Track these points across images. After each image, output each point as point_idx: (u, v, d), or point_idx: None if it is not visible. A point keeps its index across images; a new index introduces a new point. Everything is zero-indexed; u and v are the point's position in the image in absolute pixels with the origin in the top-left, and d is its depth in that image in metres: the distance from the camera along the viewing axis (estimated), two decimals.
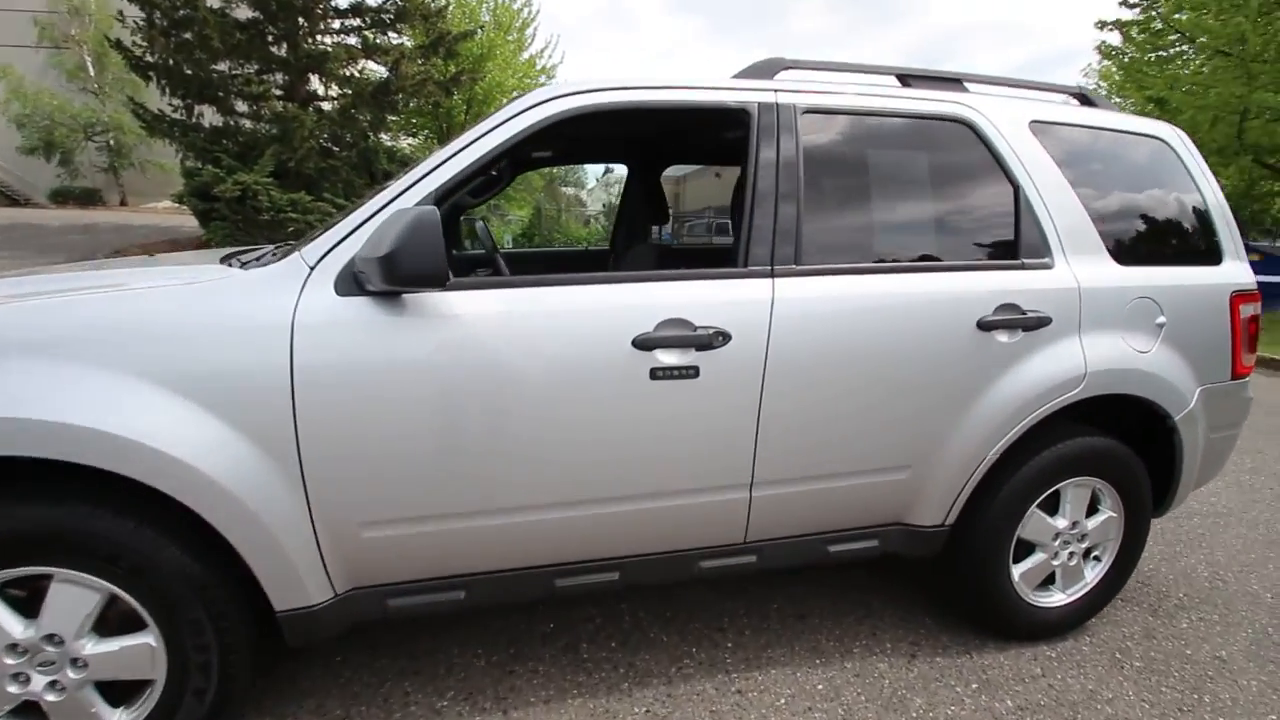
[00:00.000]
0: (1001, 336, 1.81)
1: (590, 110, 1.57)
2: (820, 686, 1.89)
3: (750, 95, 1.71)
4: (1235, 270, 2.18)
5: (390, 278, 1.26)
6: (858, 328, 1.68)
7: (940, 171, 1.91)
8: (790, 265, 1.66)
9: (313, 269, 1.40)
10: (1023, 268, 1.88)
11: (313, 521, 1.42)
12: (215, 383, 1.30)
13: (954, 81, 2.04)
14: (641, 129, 2.51)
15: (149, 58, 11.05)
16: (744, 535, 1.76)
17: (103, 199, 21.60)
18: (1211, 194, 2.21)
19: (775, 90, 1.74)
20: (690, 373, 1.55)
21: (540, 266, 3.18)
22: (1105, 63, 14.39)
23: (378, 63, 12.04)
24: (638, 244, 3.01)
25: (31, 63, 19.63)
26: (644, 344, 1.51)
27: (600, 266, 3.18)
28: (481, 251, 2.89)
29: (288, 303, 1.36)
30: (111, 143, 21.30)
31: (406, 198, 1.45)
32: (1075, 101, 2.27)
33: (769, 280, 1.63)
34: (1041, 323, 1.84)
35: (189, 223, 13.76)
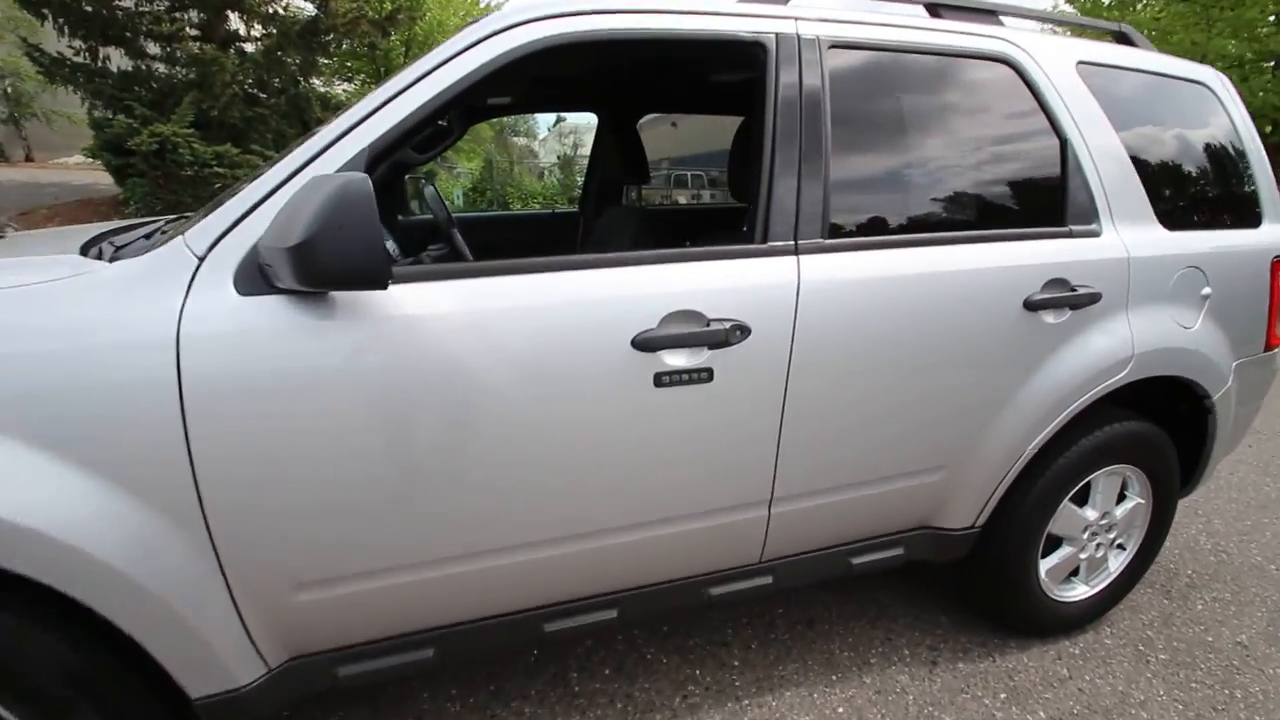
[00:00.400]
0: (1049, 317, 1.57)
1: (570, 40, 1.22)
2: (841, 709, 1.70)
3: (766, 24, 1.37)
4: (1276, 233, 1.98)
5: (305, 275, 0.92)
6: (896, 313, 1.41)
7: (979, 121, 1.62)
8: (817, 239, 1.36)
9: (202, 260, 1.04)
10: (1070, 235, 1.63)
11: (229, 587, 1.10)
12: (68, 421, 0.95)
13: (989, 14, 1.73)
14: (622, 67, 2.13)
15: None
16: (759, 555, 1.52)
17: (4, 154, 19.59)
18: (1255, 148, 1.99)
19: (795, 19, 1.40)
20: (703, 376, 1.26)
21: (499, 233, 2.81)
22: (1063, 6, 14.20)
23: None
24: (612, 206, 2.66)
25: None
26: (647, 344, 1.20)
27: (570, 231, 2.83)
28: (432, 217, 2.50)
29: (168, 308, 1.00)
30: (9, 90, 19.22)
31: (329, 158, 1.08)
32: (1112, 41, 2.00)
33: (793, 259, 1.34)
34: (1092, 299, 1.60)
35: (105, 179, 12.55)
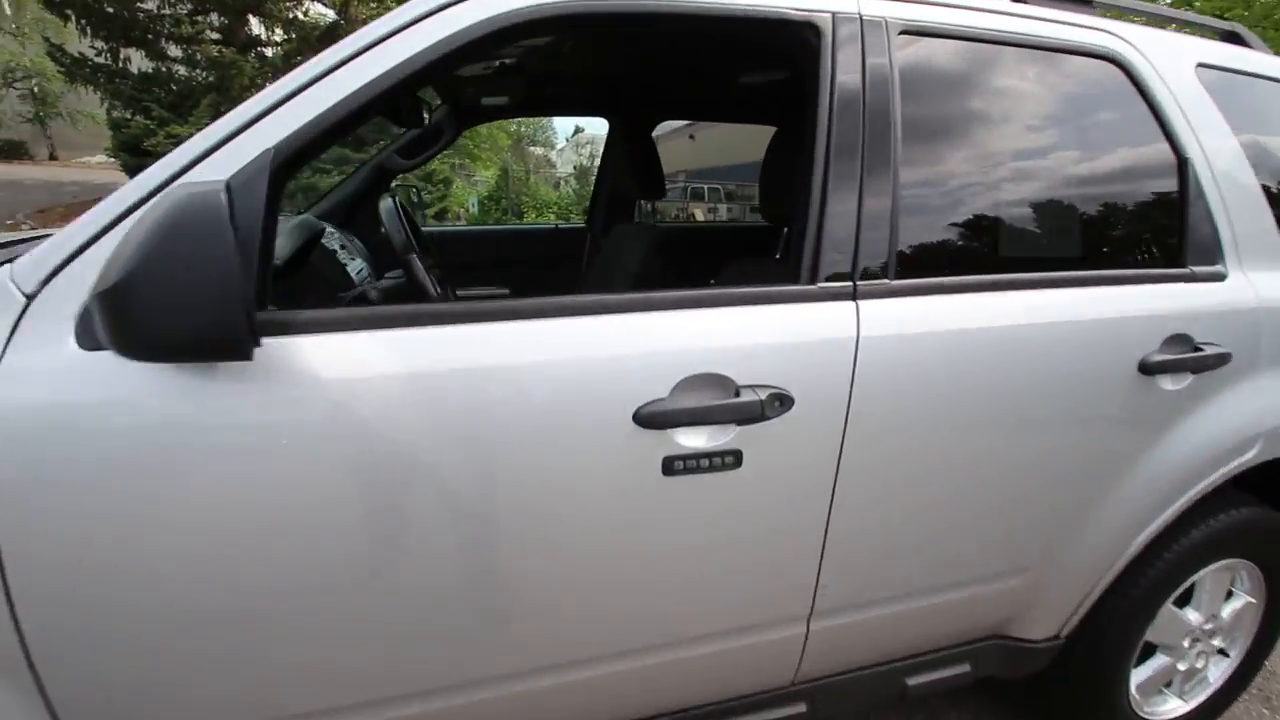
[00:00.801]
0: (1167, 382, 1.23)
1: (556, 14, 0.91)
2: None
3: (820, 3, 1.06)
4: None
5: (121, 338, 0.62)
6: (981, 378, 1.08)
7: (1080, 132, 1.31)
8: (882, 280, 1.04)
9: (31, 299, 0.74)
10: (1191, 279, 1.29)
11: None
12: None
13: (1082, 2, 1.41)
14: (635, 63, 1.83)
15: None
16: (792, 677, 1.19)
17: (29, 152, 19.81)
18: None
19: None
20: (728, 461, 0.94)
21: (498, 249, 2.51)
22: None
23: (325, 5, 10.95)
24: (622, 223, 2.35)
25: None
26: (655, 420, 0.89)
27: (575, 249, 2.53)
28: (425, 228, 2.21)
29: None
30: (35, 90, 19.47)
31: (218, 161, 0.78)
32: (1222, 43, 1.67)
33: (850, 305, 1.02)
34: (1220, 361, 1.27)
35: (125, 179, 12.53)
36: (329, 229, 1.59)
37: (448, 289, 1.47)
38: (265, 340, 0.73)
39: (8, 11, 18.72)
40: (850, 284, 1.03)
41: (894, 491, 1.07)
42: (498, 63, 1.64)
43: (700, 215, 13.82)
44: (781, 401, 0.95)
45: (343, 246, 1.60)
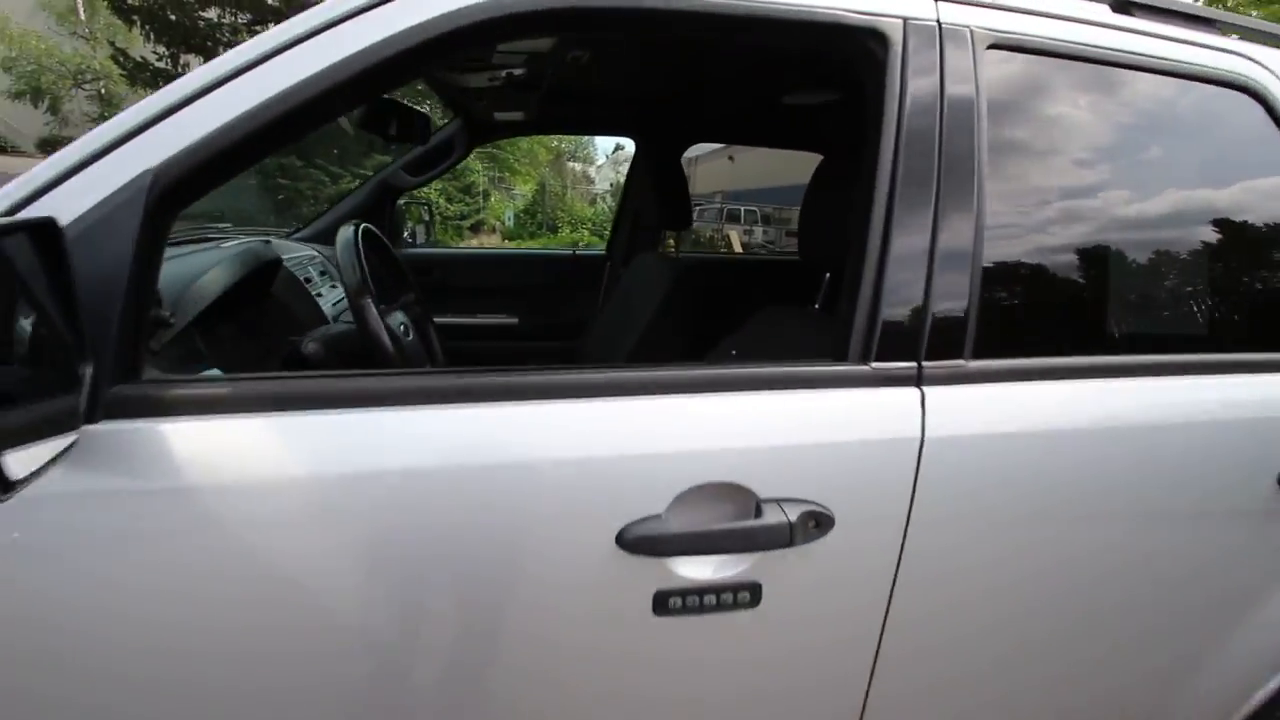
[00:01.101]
0: None
1: (559, 6, 0.71)
2: None
3: (888, 3, 0.84)
4: None
5: None
6: (1084, 505, 0.83)
7: (1202, 178, 1.05)
8: (957, 360, 0.80)
9: None
10: None
11: None
12: None
13: (1202, 21, 1.16)
14: (661, 76, 1.63)
15: (132, 0, 10.33)
16: None
17: None
18: None
19: (934, 1, 0.87)
20: (742, 599, 0.71)
21: (506, 277, 2.32)
22: None
23: None
24: (644, 253, 2.14)
25: (21, 3, 18.60)
26: (644, 545, 0.66)
27: (594, 279, 2.32)
28: (431, 250, 2.05)
29: None
30: (102, 91, 20.36)
31: (67, 190, 0.59)
32: None
33: (914, 391, 0.78)
34: None
35: None
36: (306, 254, 1.41)
37: (429, 327, 1.27)
38: (105, 426, 0.54)
39: (82, 16, 19.69)
40: (914, 364, 0.79)
41: (958, 642, 0.82)
42: (505, 73, 1.45)
43: (736, 237, 13.57)
44: (817, 523, 0.71)
45: (323, 273, 1.42)
